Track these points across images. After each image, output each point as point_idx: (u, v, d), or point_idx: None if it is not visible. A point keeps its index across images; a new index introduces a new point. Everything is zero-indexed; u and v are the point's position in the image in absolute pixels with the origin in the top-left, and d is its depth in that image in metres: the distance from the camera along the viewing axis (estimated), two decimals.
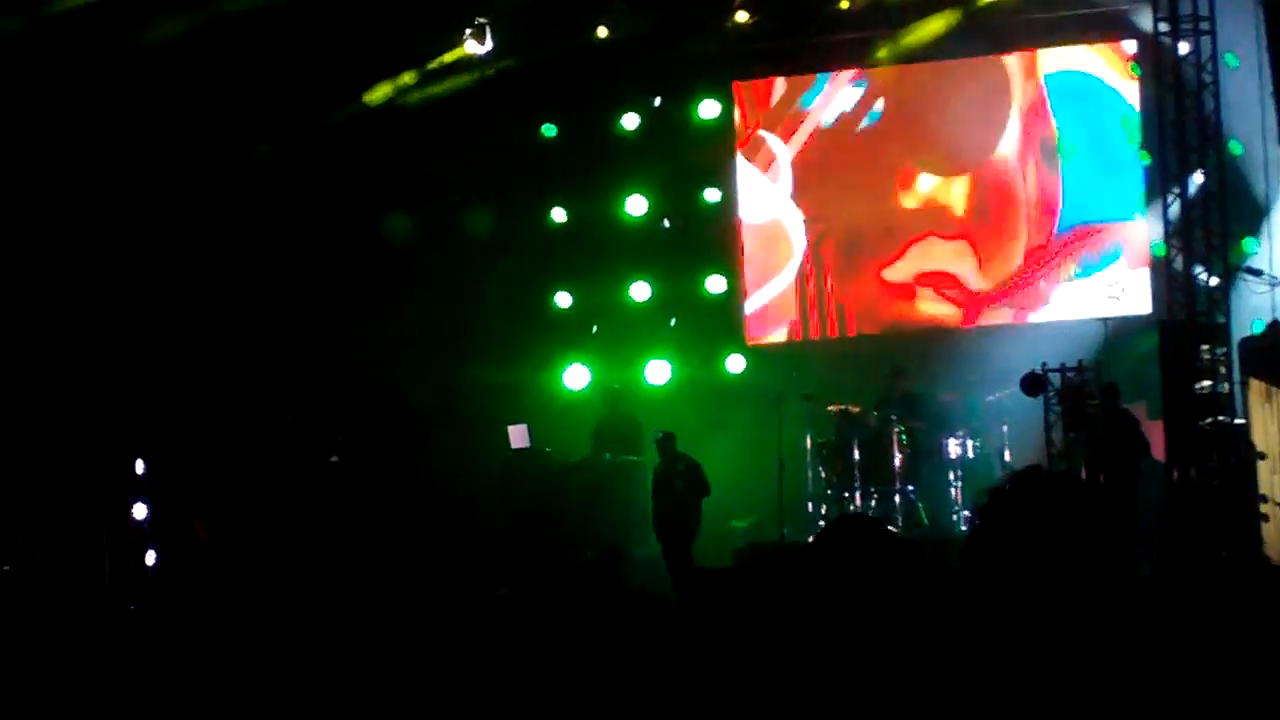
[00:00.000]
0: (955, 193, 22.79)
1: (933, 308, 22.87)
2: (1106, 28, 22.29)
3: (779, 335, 23.44)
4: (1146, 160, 21.40)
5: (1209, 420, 18.38)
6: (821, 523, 20.66)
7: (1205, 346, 18.57)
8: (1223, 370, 18.50)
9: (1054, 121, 22.47)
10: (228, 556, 20.32)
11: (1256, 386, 18.25)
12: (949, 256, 22.80)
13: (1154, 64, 20.07)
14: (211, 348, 21.60)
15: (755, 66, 23.55)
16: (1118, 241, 22.11)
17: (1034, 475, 17.95)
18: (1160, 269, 20.25)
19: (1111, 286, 21.97)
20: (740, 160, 23.58)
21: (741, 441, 21.48)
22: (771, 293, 23.46)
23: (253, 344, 21.90)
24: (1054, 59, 22.57)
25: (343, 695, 13.18)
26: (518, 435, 21.96)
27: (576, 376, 23.43)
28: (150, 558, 20.18)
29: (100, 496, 20.13)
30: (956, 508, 20.60)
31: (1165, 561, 18.07)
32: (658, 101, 23.68)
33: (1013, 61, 22.65)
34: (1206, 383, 18.45)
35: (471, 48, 22.52)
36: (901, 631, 13.84)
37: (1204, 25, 19.20)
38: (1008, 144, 22.57)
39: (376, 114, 22.65)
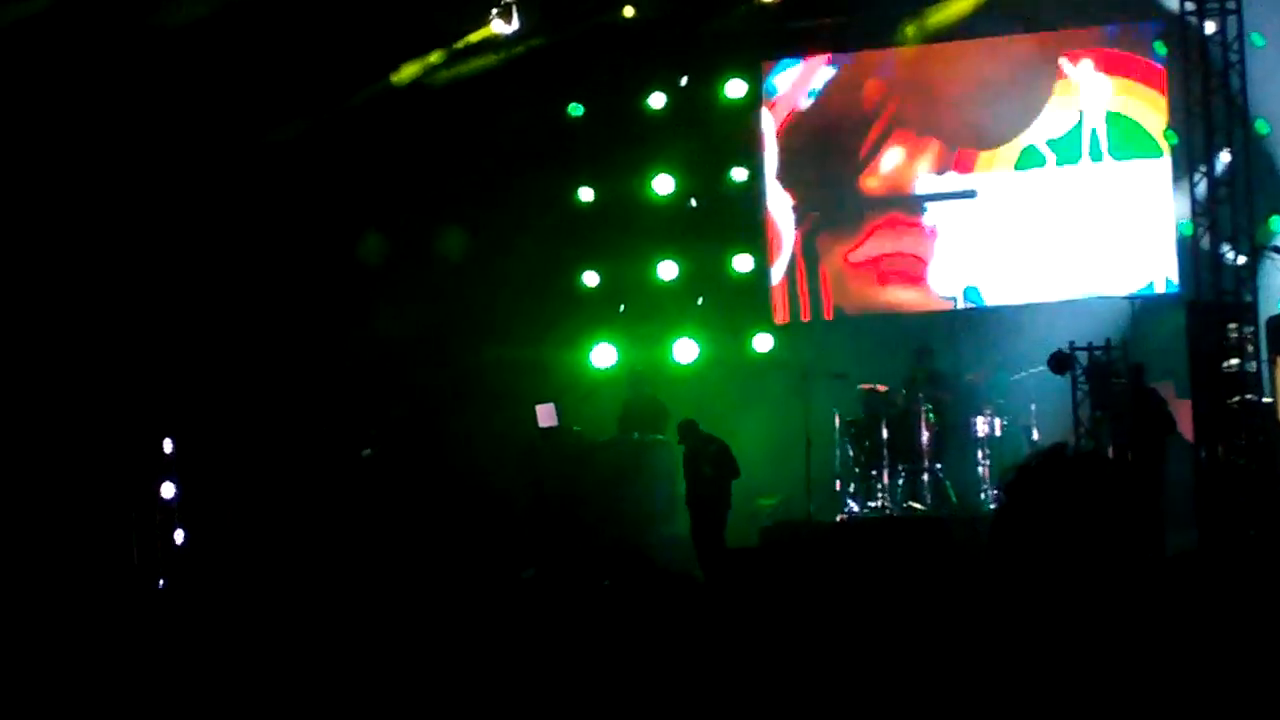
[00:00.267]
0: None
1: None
2: (1133, 8, 22.26)
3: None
4: (1174, 140, 21.38)
5: (1236, 399, 18.38)
6: (850, 501, 20.73)
7: (1232, 325, 18.53)
8: (1250, 348, 18.47)
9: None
10: (255, 541, 20.43)
11: None
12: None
13: (1180, 43, 20.05)
14: (241, 329, 21.68)
15: (782, 46, 23.55)
16: None
17: (1060, 452, 17.92)
18: (1188, 248, 20.24)
19: None
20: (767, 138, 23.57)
21: (769, 420, 21.49)
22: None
23: (281, 325, 21.97)
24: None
25: (371, 677, 13.22)
26: (545, 414, 21.96)
27: (604, 355, 23.44)
28: (179, 536, 20.29)
29: (128, 476, 20.22)
30: (984, 486, 20.62)
31: (1192, 539, 18.08)
32: (684, 80, 23.67)
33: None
34: (1234, 361, 18.42)
35: (498, 27, 22.53)
36: (929, 608, 13.86)
37: (1230, 4, 19.12)
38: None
39: (405, 93, 22.68)
